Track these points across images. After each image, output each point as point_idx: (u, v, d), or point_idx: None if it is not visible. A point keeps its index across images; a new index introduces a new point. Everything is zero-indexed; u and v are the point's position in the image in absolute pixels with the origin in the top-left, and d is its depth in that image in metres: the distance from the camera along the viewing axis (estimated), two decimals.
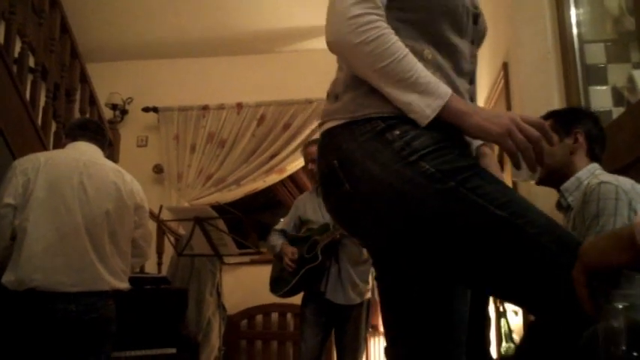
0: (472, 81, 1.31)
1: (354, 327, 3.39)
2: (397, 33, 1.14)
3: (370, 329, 4.04)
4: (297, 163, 4.82)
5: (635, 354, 0.76)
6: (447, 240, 1.08)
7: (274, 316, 4.71)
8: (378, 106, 1.13)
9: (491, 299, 2.76)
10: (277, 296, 3.57)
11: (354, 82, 1.22)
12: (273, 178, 4.96)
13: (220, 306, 3.88)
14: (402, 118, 1.12)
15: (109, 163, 2.63)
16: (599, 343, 0.81)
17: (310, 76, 5.16)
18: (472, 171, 1.09)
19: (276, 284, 3.55)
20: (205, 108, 5.19)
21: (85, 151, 2.47)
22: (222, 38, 5.15)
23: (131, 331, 2.92)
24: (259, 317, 4.75)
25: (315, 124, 4.98)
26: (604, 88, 2.68)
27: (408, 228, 1.10)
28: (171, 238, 3.94)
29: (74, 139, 2.51)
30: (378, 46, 1.10)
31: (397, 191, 1.08)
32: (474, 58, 1.30)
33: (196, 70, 5.36)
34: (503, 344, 2.89)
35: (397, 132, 1.10)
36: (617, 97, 2.61)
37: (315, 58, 5.20)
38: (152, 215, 3.98)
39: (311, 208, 3.64)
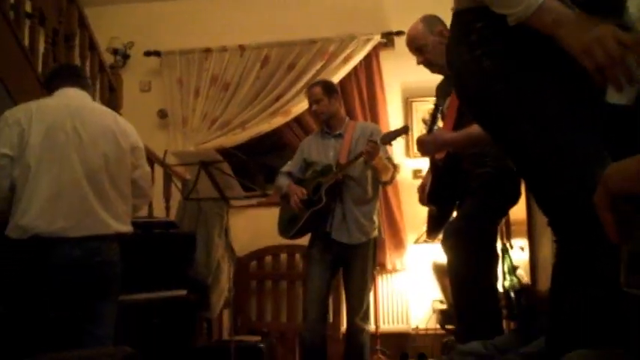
0: None
1: (360, 265, 3.44)
2: None
3: (377, 267, 4.10)
4: (303, 104, 4.76)
5: None
6: (491, 123, 1.33)
7: (283, 257, 4.78)
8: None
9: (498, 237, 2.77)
10: (286, 238, 3.62)
11: None
12: (278, 121, 4.92)
13: (229, 248, 3.94)
14: (485, 10, 1.22)
15: (100, 107, 2.63)
16: (622, 269, 0.79)
17: (314, 15, 5.06)
18: (526, 80, 1.19)
19: (285, 226, 3.60)
20: (208, 51, 5.10)
21: (73, 97, 2.45)
22: None
23: (141, 275, 2.98)
24: (268, 258, 4.81)
25: (319, 64, 4.90)
26: None
27: (472, 107, 1.37)
28: (178, 183, 3.94)
29: (58, 86, 2.48)
30: None
31: (459, 75, 1.33)
32: None
33: (197, 12, 5.24)
34: (507, 279, 2.92)
35: (479, 25, 1.26)
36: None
37: None
38: (157, 160, 4.00)
39: (315, 149, 3.63)
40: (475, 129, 2.49)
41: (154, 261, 3.13)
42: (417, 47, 2.75)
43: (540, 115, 1.19)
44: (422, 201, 2.91)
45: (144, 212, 3.66)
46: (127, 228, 2.47)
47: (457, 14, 1.34)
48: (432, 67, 2.76)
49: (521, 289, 2.87)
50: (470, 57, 1.27)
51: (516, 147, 1.28)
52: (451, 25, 1.38)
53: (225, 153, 4.05)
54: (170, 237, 3.36)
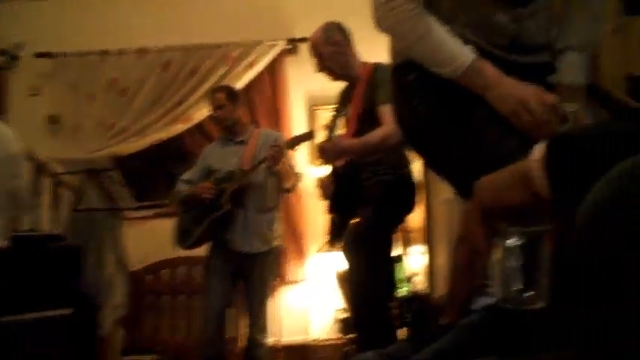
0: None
1: (260, 275, 3.37)
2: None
3: (278, 278, 4.02)
4: (205, 111, 4.60)
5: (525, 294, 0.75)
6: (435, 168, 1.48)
7: (181, 269, 4.58)
8: (404, 53, 1.37)
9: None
10: (183, 248, 3.48)
11: None
12: (180, 128, 4.74)
13: (122, 262, 3.74)
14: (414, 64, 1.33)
15: None
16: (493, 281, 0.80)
17: (218, 19, 4.93)
18: (462, 123, 1.29)
19: (182, 236, 3.46)
20: (105, 53, 4.86)
21: None
22: None
23: (21, 294, 2.77)
24: (165, 272, 4.61)
25: (223, 69, 4.78)
26: None
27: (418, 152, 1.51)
28: (68, 193, 3.70)
29: None
30: (397, 31, 1.33)
31: (404, 127, 1.46)
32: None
33: (95, 12, 4.96)
34: (401, 287, 2.94)
35: (412, 77, 1.35)
36: None
37: (225, 0, 4.98)
38: (44, 168, 3.74)
39: (218, 157, 3.55)
40: (373, 137, 2.50)
41: (37, 278, 2.91)
42: (316, 55, 2.76)
43: (484, 156, 1.25)
44: (324, 197, 2.89)
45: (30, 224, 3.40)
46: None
47: (394, 69, 1.45)
48: (330, 74, 2.78)
49: (414, 297, 2.90)
50: (408, 108, 1.40)
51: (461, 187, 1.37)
52: (391, 79, 1.49)
53: (119, 161, 3.87)
54: (54, 251, 3.12)
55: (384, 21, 1.32)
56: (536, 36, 1.35)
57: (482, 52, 1.29)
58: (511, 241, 0.76)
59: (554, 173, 0.69)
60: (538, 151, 0.72)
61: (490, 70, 1.26)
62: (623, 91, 1.87)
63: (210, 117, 4.09)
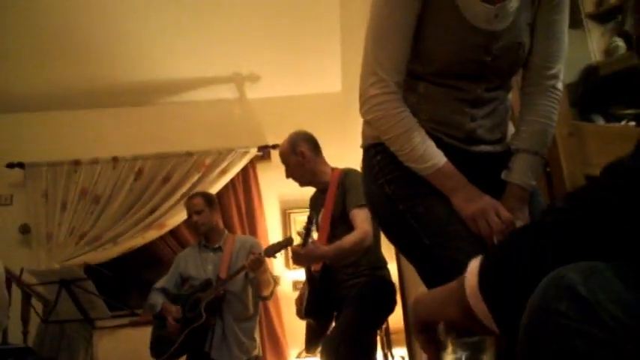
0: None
1: None
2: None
3: None
4: (178, 217, 4.65)
5: None
6: (396, 242, 1.53)
7: None
8: (373, 136, 1.49)
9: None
10: None
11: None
12: (153, 234, 4.73)
13: None
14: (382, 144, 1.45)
15: None
16: None
17: (191, 127, 5.08)
18: (421, 199, 1.37)
19: (159, 347, 3.36)
20: (77, 163, 4.91)
21: None
22: (95, 90, 4.93)
23: None
24: None
25: (196, 176, 4.86)
26: None
27: (385, 226, 1.53)
28: (38, 305, 3.61)
29: None
30: (382, 125, 1.40)
31: (372, 203, 1.53)
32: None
33: (67, 124, 5.07)
34: None
35: (378, 157, 1.46)
36: None
37: (196, 110, 5.15)
38: (15, 279, 3.66)
39: (193, 263, 3.52)
40: (346, 242, 2.55)
41: None
42: (284, 163, 2.87)
43: (437, 233, 1.35)
44: (299, 314, 2.87)
45: None
46: None
47: (364, 151, 1.54)
48: (299, 181, 2.88)
49: None
50: (375, 186, 1.46)
51: (418, 259, 1.43)
52: (362, 159, 1.56)
53: (92, 270, 3.81)
54: None
55: (370, 113, 1.43)
56: (490, 132, 1.48)
57: (441, 143, 1.41)
58: (452, 355, 0.77)
59: (490, 295, 0.71)
60: (473, 266, 0.75)
61: (458, 175, 1.38)
62: None
63: (187, 223, 4.11)
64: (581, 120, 2.32)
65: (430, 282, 1.40)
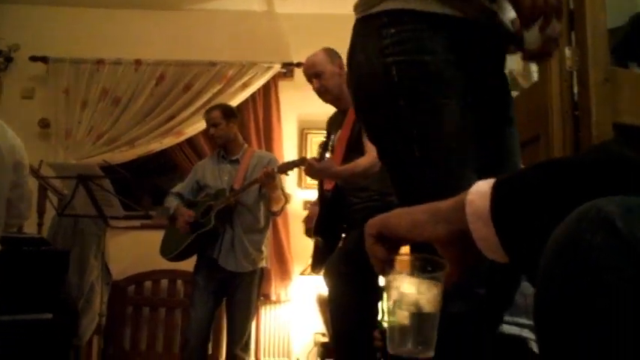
0: None
1: (244, 295, 3.37)
2: None
3: (262, 298, 4.03)
4: (196, 126, 4.65)
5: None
6: (375, 139, 1.28)
7: (164, 282, 4.56)
8: (388, 3, 1.19)
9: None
10: (167, 259, 3.49)
11: None
12: (170, 141, 4.75)
13: (105, 270, 3.72)
14: (407, 14, 1.17)
15: None
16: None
17: (216, 37, 4.99)
18: (433, 101, 1.15)
19: (167, 247, 3.47)
20: (100, 62, 4.87)
21: None
22: None
23: (3, 295, 2.73)
24: (148, 283, 4.58)
25: (217, 87, 4.82)
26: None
27: (368, 112, 1.26)
28: (54, 198, 3.69)
29: None
30: None
31: (360, 77, 1.24)
32: None
33: (92, 21, 5.00)
34: (387, 318, 2.94)
35: (392, 30, 1.17)
36: (512, 82, 2.71)
37: (222, 19, 5.04)
38: (32, 171, 3.72)
39: (210, 173, 3.56)
40: (360, 164, 2.55)
41: (19, 281, 2.89)
42: (315, 73, 2.80)
43: (432, 146, 1.17)
44: (308, 232, 2.91)
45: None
46: None
47: (367, 18, 1.24)
48: (327, 94, 2.82)
49: None
50: (378, 62, 1.18)
51: (400, 167, 1.25)
52: (356, 30, 1.28)
53: (108, 169, 3.86)
54: (40, 255, 3.11)
55: None
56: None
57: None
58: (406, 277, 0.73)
59: (503, 222, 0.65)
60: (482, 188, 0.68)
61: None
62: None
63: (205, 134, 4.12)
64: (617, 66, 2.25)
65: (405, 198, 1.22)
